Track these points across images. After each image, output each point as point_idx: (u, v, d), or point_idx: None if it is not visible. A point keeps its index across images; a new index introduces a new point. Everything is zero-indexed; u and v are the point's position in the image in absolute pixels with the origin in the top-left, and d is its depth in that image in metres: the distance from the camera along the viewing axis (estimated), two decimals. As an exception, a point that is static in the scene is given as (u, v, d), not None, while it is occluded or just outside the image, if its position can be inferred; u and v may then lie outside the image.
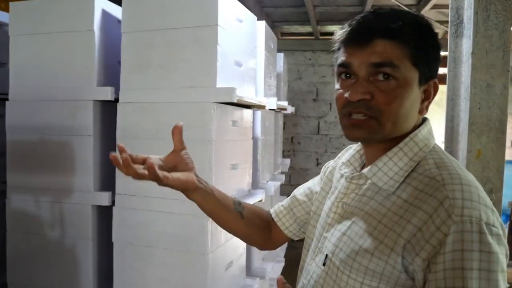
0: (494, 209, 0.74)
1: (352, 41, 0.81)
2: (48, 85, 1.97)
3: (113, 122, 1.89)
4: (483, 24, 1.46)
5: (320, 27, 5.21)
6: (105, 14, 1.96)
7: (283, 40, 5.57)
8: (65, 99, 1.93)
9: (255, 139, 2.28)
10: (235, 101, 1.71)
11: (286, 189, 5.65)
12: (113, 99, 1.89)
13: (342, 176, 0.95)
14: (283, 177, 2.76)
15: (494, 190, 1.46)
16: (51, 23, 1.95)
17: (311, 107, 5.45)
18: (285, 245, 3.91)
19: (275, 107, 2.30)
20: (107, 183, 1.96)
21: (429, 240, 0.71)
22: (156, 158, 0.97)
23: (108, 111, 1.95)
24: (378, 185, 0.83)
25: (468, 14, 1.54)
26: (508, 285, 0.72)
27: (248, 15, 2.05)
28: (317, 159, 5.43)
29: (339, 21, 4.92)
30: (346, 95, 0.81)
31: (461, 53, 1.63)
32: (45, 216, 2.00)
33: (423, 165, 0.80)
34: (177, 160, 1.00)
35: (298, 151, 5.55)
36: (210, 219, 1.71)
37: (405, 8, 3.64)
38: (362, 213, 0.83)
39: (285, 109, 2.76)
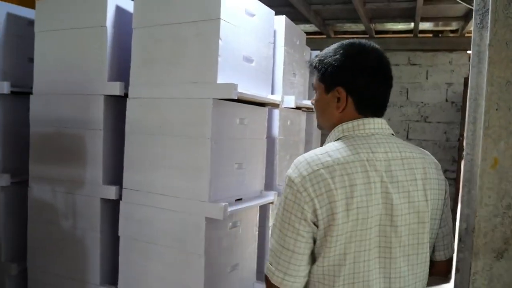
0: (304, 171, 1.01)
1: (310, 72, 1.25)
2: (65, 80, 2.03)
3: (124, 117, 1.91)
4: (503, 11, 1.24)
5: (375, 24, 4.96)
6: (120, 10, 1.98)
7: (335, 39, 5.37)
8: (79, 93, 1.98)
9: (271, 139, 2.20)
10: (235, 97, 1.64)
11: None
12: (122, 94, 1.90)
13: None
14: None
15: (514, 205, 1.24)
16: (69, 20, 2.01)
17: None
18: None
19: (293, 106, 2.19)
20: (116, 177, 1.98)
21: None
22: None
23: (119, 106, 1.96)
24: None
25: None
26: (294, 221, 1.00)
27: (262, 9, 1.97)
28: (367, 163, 5.19)
29: (392, 17, 4.64)
30: None
31: (486, 46, 1.42)
32: (60, 206, 2.07)
33: None
34: None
35: (348, 154, 5.34)
36: (206, 219, 1.69)
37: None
38: None
39: (312, 109, 2.63)
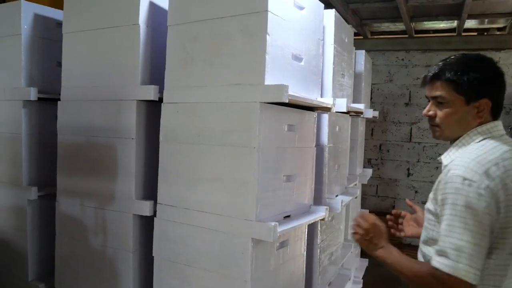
0: (478, 169, 1.09)
1: (425, 84, 1.30)
2: (94, 84, 1.86)
3: (159, 124, 1.72)
4: None
5: (414, 24, 4.67)
6: (154, 7, 1.80)
7: (372, 39, 5.11)
8: (109, 98, 1.81)
9: (320, 147, 1.97)
10: (286, 100, 1.42)
11: (372, 201, 5.18)
12: (156, 99, 1.71)
13: None
14: (357, 191, 2.39)
15: None
16: (99, 19, 1.84)
17: (402, 111, 4.92)
18: (364, 264, 3.50)
19: (345, 110, 1.96)
20: (150, 191, 1.79)
21: (436, 193, 1.20)
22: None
23: (153, 112, 1.78)
24: (446, 164, 1.24)
25: None
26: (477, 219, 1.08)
27: (312, 2, 1.75)
28: (408, 169, 4.87)
29: (435, 16, 4.34)
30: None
31: None
32: (89, 222, 1.90)
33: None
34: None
35: (387, 160, 5.05)
36: (252, 240, 1.47)
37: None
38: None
39: (361, 113, 2.39)
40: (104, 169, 1.83)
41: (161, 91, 1.71)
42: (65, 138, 1.95)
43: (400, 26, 4.79)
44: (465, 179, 1.09)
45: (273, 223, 1.43)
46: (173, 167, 1.68)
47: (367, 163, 5.05)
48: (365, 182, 3.06)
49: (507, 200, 1.08)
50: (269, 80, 1.47)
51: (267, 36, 1.45)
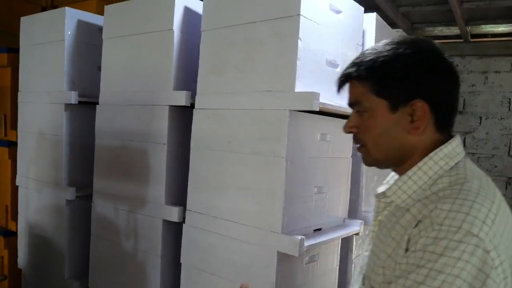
0: (484, 220, 0.72)
1: (341, 86, 0.92)
2: (130, 89, 1.88)
3: (190, 130, 1.70)
4: None
5: (470, 27, 4.41)
6: (188, 12, 1.79)
7: (424, 44, 4.87)
8: (143, 103, 1.82)
9: (357, 157, 1.87)
10: (317, 109, 1.36)
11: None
12: (188, 104, 1.70)
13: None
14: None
15: None
16: (136, 24, 1.86)
17: (456, 120, 4.63)
18: None
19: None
20: (180, 197, 1.78)
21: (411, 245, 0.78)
22: None
23: (185, 117, 1.77)
24: (397, 203, 0.88)
25: None
26: None
27: (349, 5, 1.67)
28: (460, 182, 4.60)
29: (493, 19, 4.07)
30: None
31: None
32: (122, 225, 1.92)
33: (438, 184, 0.82)
34: None
35: (437, 171, 4.80)
36: (278, 254, 1.41)
37: None
38: (385, 229, 0.88)
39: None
40: (137, 173, 1.84)
41: (193, 96, 1.70)
42: (102, 141, 1.99)
43: (454, 30, 4.54)
44: (473, 235, 0.70)
45: (299, 237, 1.37)
46: (203, 174, 1.65)
47: (416, 173, 4.83)
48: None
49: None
50: (300, 87, 1.41)
51: (299, 41, 1.40)
